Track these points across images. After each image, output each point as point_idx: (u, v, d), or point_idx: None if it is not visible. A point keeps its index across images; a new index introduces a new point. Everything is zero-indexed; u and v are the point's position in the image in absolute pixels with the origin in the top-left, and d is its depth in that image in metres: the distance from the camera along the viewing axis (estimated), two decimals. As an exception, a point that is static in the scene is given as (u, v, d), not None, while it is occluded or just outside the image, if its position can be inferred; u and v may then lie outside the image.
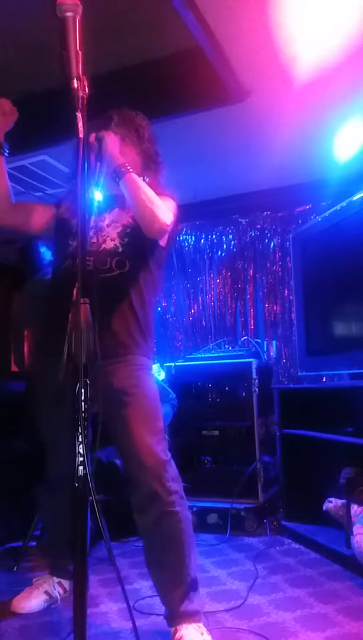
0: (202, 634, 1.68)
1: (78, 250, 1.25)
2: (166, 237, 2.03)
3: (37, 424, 2.03)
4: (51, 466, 2.04)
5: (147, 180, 1.98)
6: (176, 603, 1.72)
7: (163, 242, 2.03)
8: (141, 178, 1.92)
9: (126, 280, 1.91)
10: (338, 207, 2.86)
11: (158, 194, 1.92)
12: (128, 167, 1.84)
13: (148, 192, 1.85)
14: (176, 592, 1.73)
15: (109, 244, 1.92)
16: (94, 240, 1.90)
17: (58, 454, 1.97)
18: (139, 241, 1.94)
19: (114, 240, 1.93)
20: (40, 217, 2.07)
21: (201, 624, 1.71)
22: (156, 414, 1.86)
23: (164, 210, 1.88)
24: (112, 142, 1.86)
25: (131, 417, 1.80)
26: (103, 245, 1.91)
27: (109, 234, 1.94)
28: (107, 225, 1.95)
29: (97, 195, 1.91)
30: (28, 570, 2.44)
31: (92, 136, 1.79)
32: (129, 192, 1.84)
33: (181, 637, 1.66)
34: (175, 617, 1.72)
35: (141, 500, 1.77)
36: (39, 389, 1.99)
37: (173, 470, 1.79)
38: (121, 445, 1.84)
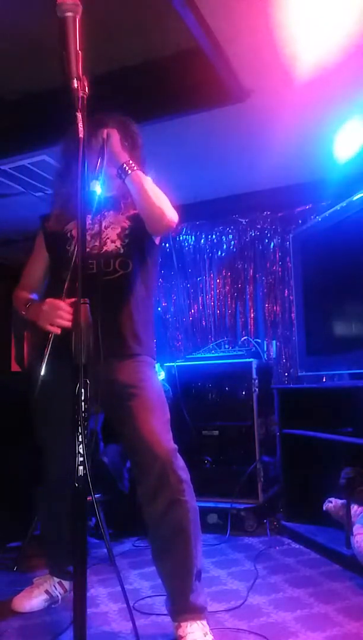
0: (205, 634, 1.66)
1: (78, 250, 1.25)
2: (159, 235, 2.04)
3: (38, 423, 2.03)
4: (47, 467, 2.03)
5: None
6: (181, 594, 1.71)
7: (157, 240, 2.05)
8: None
9: (130, 280, 1.92)
10: (338, 207, 2.86)
11: None
12: (133, 165, 1.85)
13: (155, 189, 1.86)
14: (182, 582, 1.71)
15: (110, 246, 1.93)
16: (96, 243, 1.89)
17: (55, 454, 1.98)
18: (138, 241, 1.96)
19: (115, 242, 1.94)
20: (41, 271, 2.09)
21: (205, 622, 1.70)
22: (162, 405, 1.87)
23: (171, 208, 1.89)
24: (116, 139, 1.88)
25: (138, 407, 1.81)
26: (105, 248, 1.92)
27: (109, 235, 1.95)
28: (105, 228, 1.96)
29: (98, 191, 1.91)
30: (28, 570, 2.44)
31: (104, 132, 1.84)
32: (136, 190, 1.86)
33: (185, 634, 1.65)
34: (180, 610, 1.71)
35: (150, 488, 1.75)
36: (48, 389, 1.99)
37: (180, 459, 1.79)
38: (128, 436, 1.84)
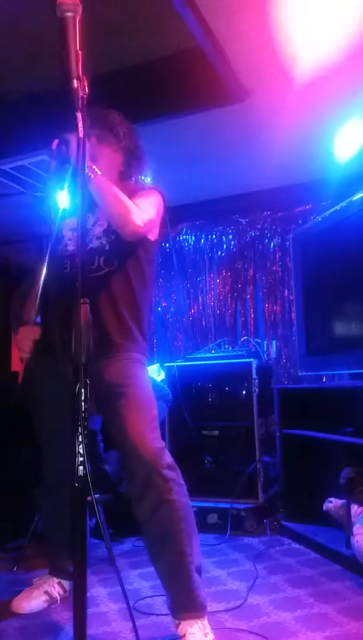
0: (206, 635, 1.66)
1: (78, 251, 1.25)
2: (156, 231, 1.99)
3: (35, 423, 2.03)
4: (48, 465, 2.04)
5: (133, 180, 1.98)
6: (180, 591, 1.70)
7: (152, 237, 1.99)
8: (128, 178, 1.93)
9: (115, 277, 1.89)
10: (338, 207, 2.86)
11: (141, 191, 1.91)
12: (95, 170, 1.78)
13: (117, 194, 1.80)
14: (179, 580, 1.71)
15: (95, 243, 1.91)
16: None
17: (55, 453, 1.98)
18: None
19: (100, 239, 1.91)
20: None
21: (205, 622, 1.70)
22: (149, 403, 1.85)
23: (137, 212, 1.83)
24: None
25: (125, 407, 1.79)
26: (90, 245, 1.89)
27: (94, 232, 1.92)
28: (92, 225, 1.93)
29: (64, 202, 1.87)
30: (28, 570, 2.44)
31: (55, 142, 1.74)
32: (97, 196, 1.80)
33: (186, 634, 1.65)
34: (179, 607, 1.70)
35: (138, 489, 1.75)
36: (37, 388, 1.99)
37: (168, 457, 1.77)
38: (116, 436, 1.84)
